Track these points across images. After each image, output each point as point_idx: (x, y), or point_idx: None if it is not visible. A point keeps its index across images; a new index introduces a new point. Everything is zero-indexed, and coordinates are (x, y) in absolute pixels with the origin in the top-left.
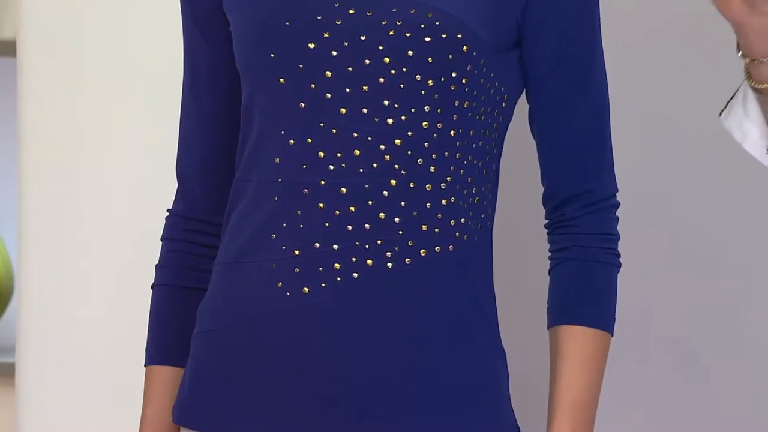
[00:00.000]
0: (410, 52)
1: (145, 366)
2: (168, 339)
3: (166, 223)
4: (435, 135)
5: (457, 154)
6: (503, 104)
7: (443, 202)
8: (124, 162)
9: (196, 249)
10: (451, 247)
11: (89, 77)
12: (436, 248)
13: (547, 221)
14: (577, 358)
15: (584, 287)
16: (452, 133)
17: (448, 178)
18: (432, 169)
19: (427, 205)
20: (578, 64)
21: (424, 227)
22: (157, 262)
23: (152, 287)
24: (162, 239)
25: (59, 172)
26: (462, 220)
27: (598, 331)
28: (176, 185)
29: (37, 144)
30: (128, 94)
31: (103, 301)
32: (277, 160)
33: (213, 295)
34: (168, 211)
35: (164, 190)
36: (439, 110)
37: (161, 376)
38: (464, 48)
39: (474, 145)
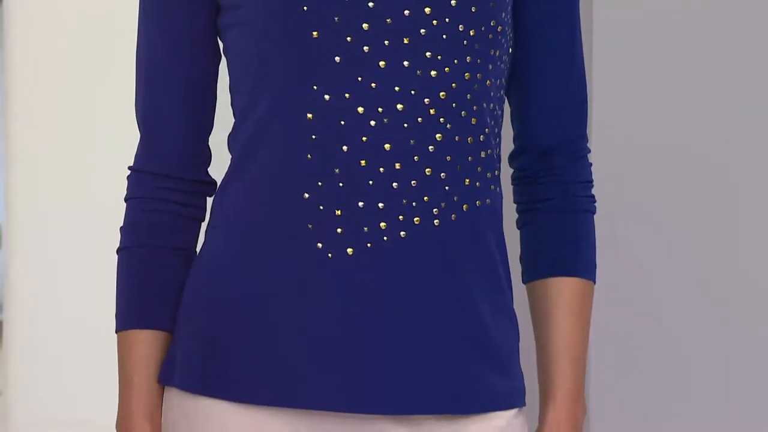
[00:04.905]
0: (453, 2)
1: (119, 331)
2: (150, 302)
3: (129, 180)
4: (476, 86)
5: (491, 104)
6: (510, 50)
7: (482, 155)
8: (108, 127)
9: (172, 208)
10: (488, 200)
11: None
12: (477, 202)
13: (521, 172)
14: (575, 311)
15: (575, 238)
16: (488, 83)
17: (486, 130)
18: (473, 121)
19: (469, 158)
20: (567, 22)
21: (467, 181)
22: (122, 224)
23: (120, 250)
24: (128, 198)
25: (46, 131)
26: (495, 172)
27: (588, 282)
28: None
29: (23, 104)
30: (114, 67)
31: (93, 253)
32: (310, 116)
33: (223, 256)
34: (130, 168)
35: None
36: (478, 60)
37: (145, 341)
38: None
39: (500, 94)
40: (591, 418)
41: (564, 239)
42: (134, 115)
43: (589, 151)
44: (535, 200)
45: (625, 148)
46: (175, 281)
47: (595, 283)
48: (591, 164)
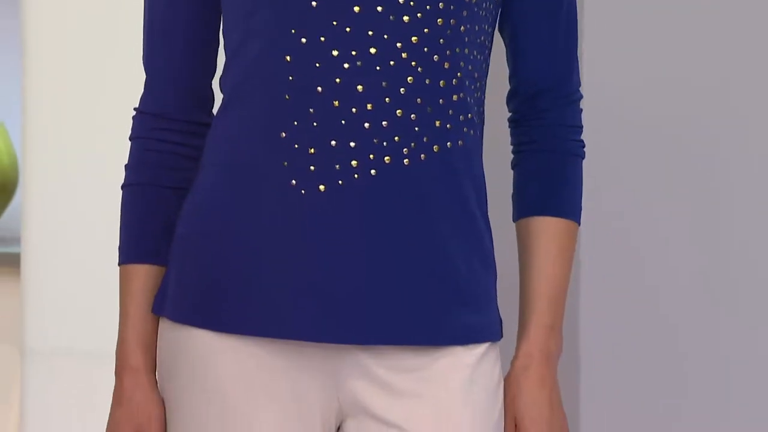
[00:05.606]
0: None
1: (120, 264)
2: (148, 237)
3: (134, 121)
4: (448, 31)
5: (466, 49)
6: None
7: (454, 98)
8: (120, 75)
9: (173, 148)
10: (460, 142)
11: None
12: (448, 144)
13: (514, 115)
14: (556, 250)
15: (560, 179)
16: (462, 28)
17: (459, 74)
18: (446, 65)
19: (441, 101)
20: None
21: (438, 123)
22: (127, 162)
23: (123, 187)
24: (131, 138)
25: (63, 66)
26: (469, 115)
27: (572, 222)
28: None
29: (41, 40)
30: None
31: (107, 191)
32: (288, 58)
33: (214, 193)
34: (135, 109)
35: None
36: (452, 6)
37: (143, 274)
38: None
39: (478, 40)
40: (581, 411)
41: (547, 180)
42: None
43: (581, 97)
44: (523, 142)
45: (621, 137)
46: (172, 218)
47: (579, 224)
48: (581, 110)
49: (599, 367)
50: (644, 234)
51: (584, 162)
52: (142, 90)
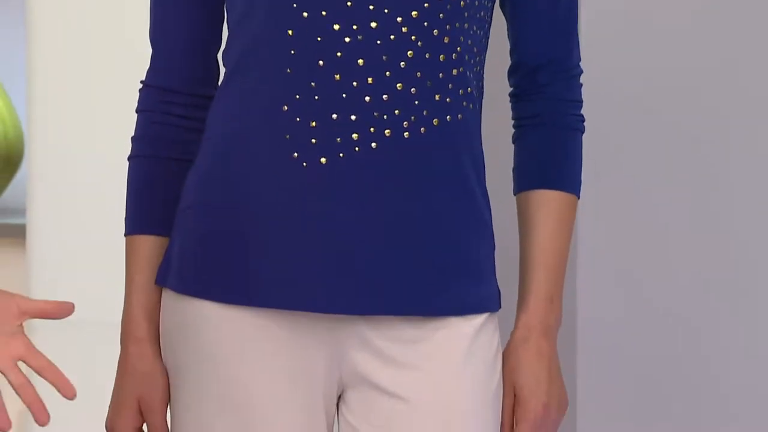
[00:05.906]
0: None
1: (127, 235)
2: (153, 209)
3: (140, 94)
4: (449, 6)
5: (466, 24)
6: None
7: (454, 72)
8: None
9: (176, 121)
10: (459, 116)
11: None
12: (447, 117)
13: (515, 89)
14: (556, 222)
15: (560, 153)
16: (462, 3)
17: (459, 49)
18: (446, 40)
19: (440, 75)
20: None
21: (437, 97)
22: (133, 134)
23: (130, 159)
24: (138, 111)
25: (69, 39)
26: (468, 89)
27: (571, 196)
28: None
29: (45, 11)
30: None
31: (111, 162)
32: (290, 32)
33: (216, 165)
34: (142, 82)
35: None
36: None
37: (148, 245)
38: None
39: (478, 15)
40: (578, 412)
41: (547, 154)
42: None
43: (581, 72)
44: (524, 117)
45: (620, 124)
46: (176, 189)
47: (578, 198)
48: (581, 85)
49: (596, 358)
50: (643, 220)
51: (584, 152)
52: (149, 63)
